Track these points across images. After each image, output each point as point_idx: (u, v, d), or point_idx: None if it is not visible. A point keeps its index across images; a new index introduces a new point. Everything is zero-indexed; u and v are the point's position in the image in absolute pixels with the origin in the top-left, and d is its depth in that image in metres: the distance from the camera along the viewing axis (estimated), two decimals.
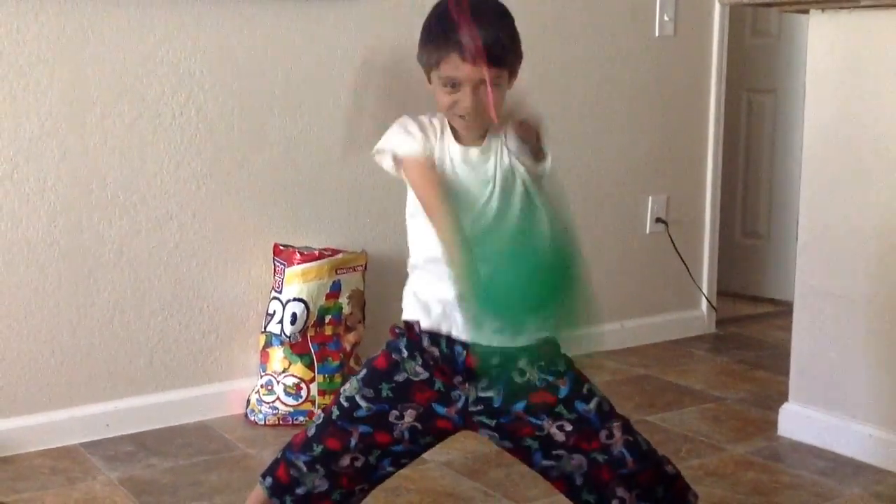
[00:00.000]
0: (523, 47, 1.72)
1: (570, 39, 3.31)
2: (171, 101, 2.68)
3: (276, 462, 1.85)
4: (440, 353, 1.75)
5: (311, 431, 1.82)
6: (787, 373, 2.72)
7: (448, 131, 1.74)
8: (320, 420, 1.83)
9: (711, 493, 2.31)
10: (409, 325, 1.78)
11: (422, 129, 1.73)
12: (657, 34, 3.52)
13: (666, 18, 3.53)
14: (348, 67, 2.93)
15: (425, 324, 1.75)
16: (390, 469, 1.83)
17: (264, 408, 2.73)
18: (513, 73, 1.72)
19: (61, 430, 2.58)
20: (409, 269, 1.80)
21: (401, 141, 1.72)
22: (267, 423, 2.73)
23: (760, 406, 2.92)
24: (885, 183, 2.45)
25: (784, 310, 3.69)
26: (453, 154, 1.73)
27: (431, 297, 1.74)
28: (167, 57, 2.66)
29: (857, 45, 2.49)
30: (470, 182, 1.72)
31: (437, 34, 1.67)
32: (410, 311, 1.78)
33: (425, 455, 1.94)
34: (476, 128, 1.73)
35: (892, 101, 2.42)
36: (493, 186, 1.71)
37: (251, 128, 2.80)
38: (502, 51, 1.66)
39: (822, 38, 2.56)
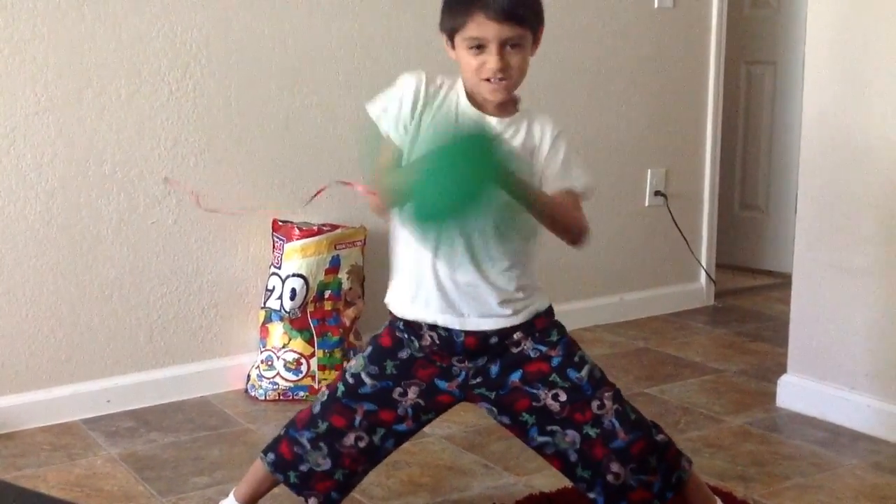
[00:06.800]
0: None
1: (569, 11, 3.29)
2: (168, 76, 2.67)
3: (278, 439, 1.87)
4: (438, 337, 1.77)
5: (317, 409, 1.84)
6: (785, 344, 2.73)
7: (462, 94, 1.74)
8: (325, 398, 1.85)
9: (710, 465, 2.32)
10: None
11: (403, 98, 1.72)
12: (656, 6, 3.50)
13: None
14: (346, 42, 2.91)
15: (420, 315, 1.78)
16: (391, 448, 1.86)
17: (264, 383, 2.74)
18: (536, 38, 1.74)
19: (62, 406, 2.59)
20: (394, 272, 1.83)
21: (378, 110, 1.74)
22: (267, 398, 2.73)
23: (759, 378, 2.93)
24: (883, 155, 2.44)
25: (782, 282, 3.70)
26: (466, 115, 1.73)
27: (419, 290, 1.77)
28: (163, 31, 2.64)
29: (856, 16, 2.48)
30: None
31: None
32: (401, 306, 1.81)
33: (426, 429, 1.96)
34: (504, 92, 1.72)
35: (891, 73, 2.41)
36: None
37: (249, 103, 2.79)
38: (524, 9, 1.69)
39: (821, 9, 2.55)
